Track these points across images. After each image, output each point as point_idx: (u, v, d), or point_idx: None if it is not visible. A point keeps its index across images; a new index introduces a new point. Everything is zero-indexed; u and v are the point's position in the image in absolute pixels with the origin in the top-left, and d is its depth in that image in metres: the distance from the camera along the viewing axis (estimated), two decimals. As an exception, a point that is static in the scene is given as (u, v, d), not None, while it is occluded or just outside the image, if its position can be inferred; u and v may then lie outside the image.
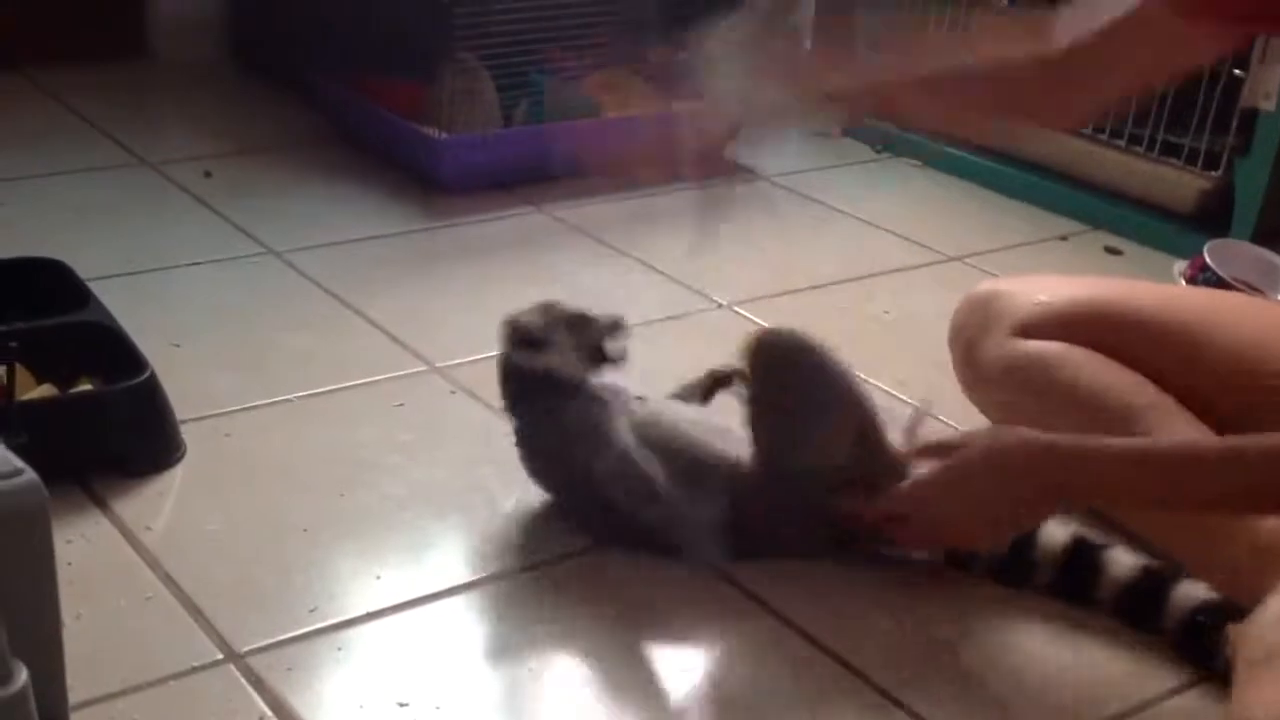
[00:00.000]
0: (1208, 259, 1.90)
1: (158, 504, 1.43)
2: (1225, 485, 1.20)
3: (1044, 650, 1.31)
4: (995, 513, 1.28)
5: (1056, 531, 1.36)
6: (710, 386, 1.48)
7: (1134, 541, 1.44)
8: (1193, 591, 1.30)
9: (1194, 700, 1.25)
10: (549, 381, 1.40)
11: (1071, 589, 1.35)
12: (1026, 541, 1.35)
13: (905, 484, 1.32)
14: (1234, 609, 1.24)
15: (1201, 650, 1.27)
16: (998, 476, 1.28)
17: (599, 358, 1.40)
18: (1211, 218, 2.20)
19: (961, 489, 1.29)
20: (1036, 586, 1.36)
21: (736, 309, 1.95)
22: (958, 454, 1.30)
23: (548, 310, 1.42)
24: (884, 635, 1.31)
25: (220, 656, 1.22)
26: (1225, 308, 1.56)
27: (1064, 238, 2.31)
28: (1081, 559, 1.35)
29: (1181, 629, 1.29)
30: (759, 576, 1.37)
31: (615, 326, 1.41)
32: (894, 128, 2.64)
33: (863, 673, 1.26)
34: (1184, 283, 1.92)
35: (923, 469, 1.32)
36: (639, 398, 1.43)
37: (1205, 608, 1.29)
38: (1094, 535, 1.37)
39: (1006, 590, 1.38)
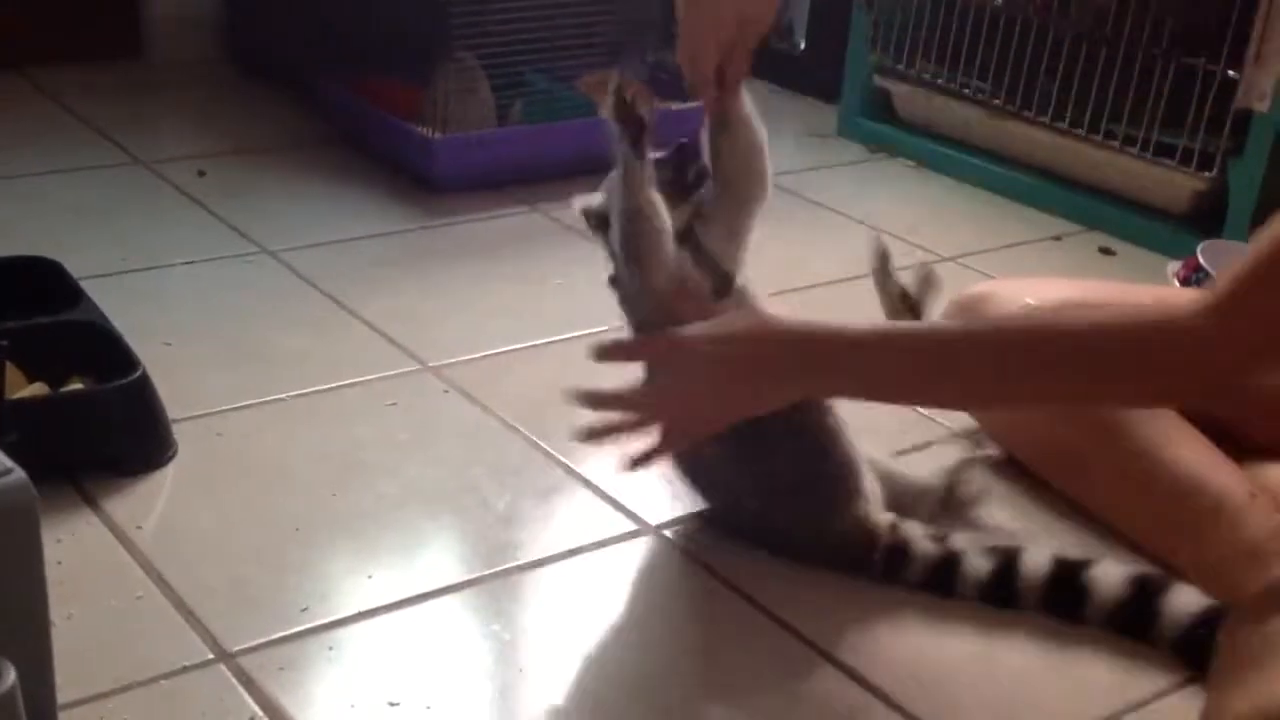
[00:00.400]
0: (1201, 260, 1.91)
1: (149, 503, 1.43)
2: (963, 371, 1.19)
3: (1030, 650, 1.31)
4: (743, 387, 1.24)
5: (1037, 555, 1.34)
6: None
7: (1121, 541, 1.44)
8: (1186, 599, 1.29)
9: (1182, 701, 1.25)
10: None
11: (1060, 610, 1.33)
12: (1009, 566, 1.34)
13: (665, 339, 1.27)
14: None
15: (1202, 656, 1.26)
16: (762, 348, 1.23)
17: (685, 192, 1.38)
18: (1205, 218, 2.20)
19: (723, 352, 1.24)
20: (1023, 609, 1.35)
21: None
22: (723, 320, 1.26)
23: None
24: (876, 636, 1.32)
25: (211, 656, 1.22)
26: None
27: (1058, 238, 2.31)
28: (1066, 580, 1.33)
29: (1179, 638, 1.28)
30: (757, 579, 1.37)
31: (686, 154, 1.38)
32: (889, 129, 2.66)
33: (856, 671, 1.26)
34: (1177, 283, 1.92)
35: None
36: None
37: (1204, 618, 1.27)
38: (1075, 552, 1.36)
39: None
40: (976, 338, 1.21)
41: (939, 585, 1.36)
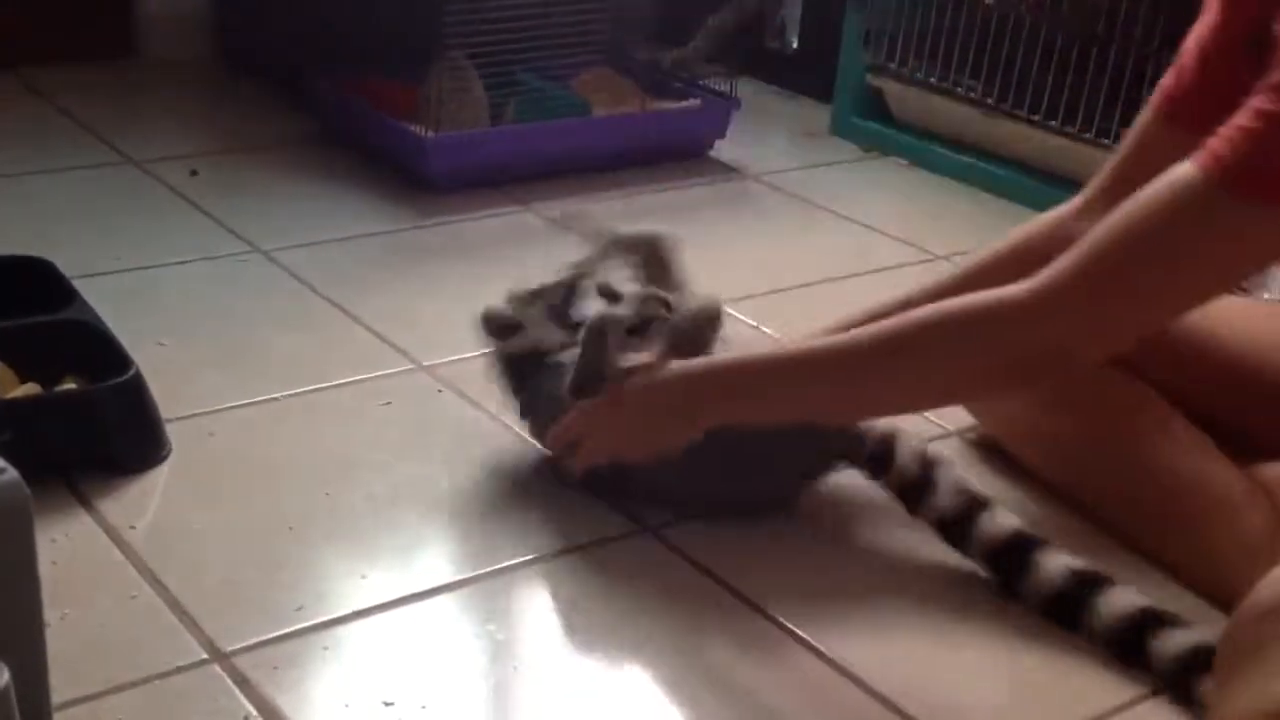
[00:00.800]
0: (1195, 258, 1.90)
1: (143, 503, 1.42)
2: (812, 390, 1.31)
3: (1024, 650, 1.31)
4: (651, 434, 1.37)
5: (1003, 519, 1.38)
6: None
7: (1114, 537, 1.45)
8: (1123, 600, 1.29)
9: (1153, 710, 1.25)
10: (531, 357, 1.51)
11: (1003, 580, 1.37)
12: (969, 514, 1.39)
13: (573, 413, 1.41)
14: (1163, 618, 1.26)
15: (1134, 655, 1.27)
16: (649, 403, 1.36)
17: (567, 322, 1.50)
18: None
19: (617, 416, 1.38)
20: (967, 555, 1.40)
21: (725, 309, 1.94)
22: (620, 385, 1.37)
23: (512, 296, 1.54)
24: (875, 637, 1.32)
25: (205, 656, 1.21)
26: (1210, 309, 1.56)
27: (1051, 236, 2.31)
28: (1015, 553, 1.36)
29: (1111, 636, 1.29)
30: (753, 578, 1.37)
31: (571, 286, 1.51)
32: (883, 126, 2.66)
33: (853, 671, 1.26)
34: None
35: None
36: None
37: (1140, 617, 1.28)
38: (1032, 530, 1.38)
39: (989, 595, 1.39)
40: (830, 350, 1.30)
41: (911, 499, 1.43)
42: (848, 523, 1.48)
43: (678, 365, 1.36)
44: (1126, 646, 1.28)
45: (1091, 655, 1.30)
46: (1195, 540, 1.37)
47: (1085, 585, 1.31)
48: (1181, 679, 1.23)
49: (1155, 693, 1.25)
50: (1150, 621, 1.27)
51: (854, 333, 1.30)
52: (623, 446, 1.40)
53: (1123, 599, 1.29)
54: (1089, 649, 1.30)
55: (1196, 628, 1.26)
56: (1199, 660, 1.21)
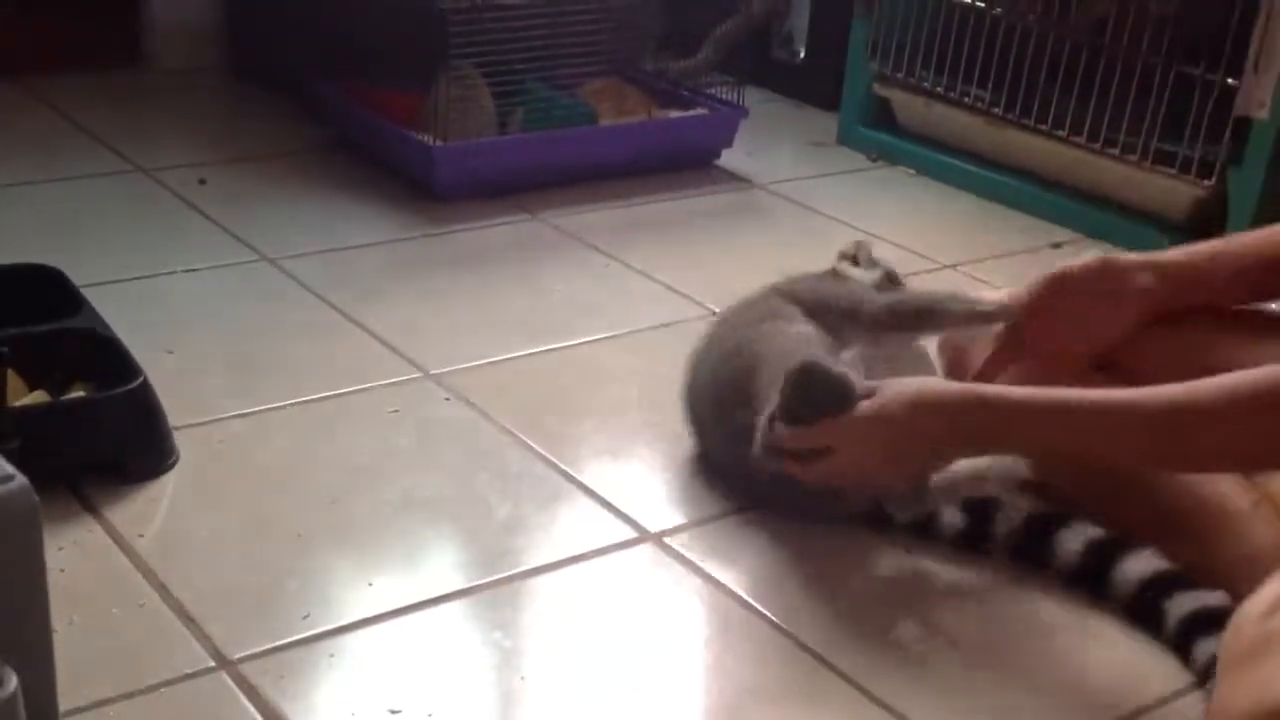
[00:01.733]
0: (1201, 267, 1.90)
1: (150, 511, 1.43)
2: (1128, 440, 1.27)
3: (1040, 652, 1.31)
4: (909, 456, 1.33)
5: (1011, 510, 1.44)
6: None
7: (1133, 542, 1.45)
8: (1139, 566, 1.36)
9: (1194, 704, 1.25)
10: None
11: (1028, 554, 1.42)
12: (983, 515, 1.44)
13: (829, 422, 1.33)
14: (1178, 578, 1.34)
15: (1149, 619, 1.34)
16: (921, 422, 1.31)
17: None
18: (1206, 225, 2.20)
19: (883, 432, 1.31)
20: (990, 550, 1.44)
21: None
22: (883, 398, 1.32)
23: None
24: (878, 644, 1.32)
25: (212, 664, 1.22)
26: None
27: (1057, 245, 2.32)
28: (1037, 530, 1.42)
29: (1129, 601, 1.36)
30: (757, 586, 1.37)
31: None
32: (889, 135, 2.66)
33: (856, 679, 1.26)
34: (1178, 291, 1.92)
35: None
36: None
37: (1153, 582, 1.35)
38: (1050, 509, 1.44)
39: (1011, 590, 1.39)
40: (1136, 408, 1.25)
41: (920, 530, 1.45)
42: (853, 529, 1.48)
43: (958, 388, 1.33)
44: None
45: (1118, 657, 1.30)
46: (1202, 549, 1.37)
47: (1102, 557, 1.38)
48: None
49: (1180, 694, 1.25)
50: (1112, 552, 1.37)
51: (1172, 390, 1.25)
52: (875, 466, 1.35)
53: (1139, 566, 1.36)
54: (1117, 654, 1.30)
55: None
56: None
